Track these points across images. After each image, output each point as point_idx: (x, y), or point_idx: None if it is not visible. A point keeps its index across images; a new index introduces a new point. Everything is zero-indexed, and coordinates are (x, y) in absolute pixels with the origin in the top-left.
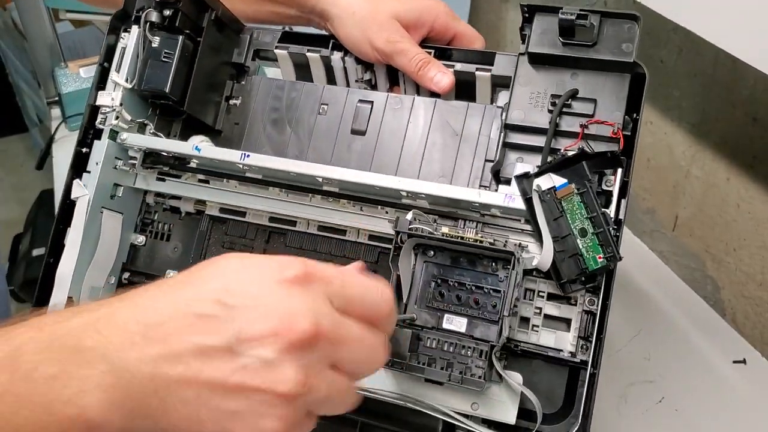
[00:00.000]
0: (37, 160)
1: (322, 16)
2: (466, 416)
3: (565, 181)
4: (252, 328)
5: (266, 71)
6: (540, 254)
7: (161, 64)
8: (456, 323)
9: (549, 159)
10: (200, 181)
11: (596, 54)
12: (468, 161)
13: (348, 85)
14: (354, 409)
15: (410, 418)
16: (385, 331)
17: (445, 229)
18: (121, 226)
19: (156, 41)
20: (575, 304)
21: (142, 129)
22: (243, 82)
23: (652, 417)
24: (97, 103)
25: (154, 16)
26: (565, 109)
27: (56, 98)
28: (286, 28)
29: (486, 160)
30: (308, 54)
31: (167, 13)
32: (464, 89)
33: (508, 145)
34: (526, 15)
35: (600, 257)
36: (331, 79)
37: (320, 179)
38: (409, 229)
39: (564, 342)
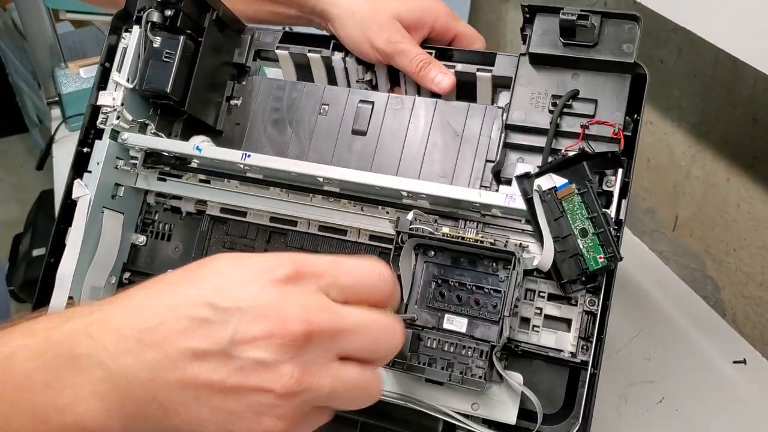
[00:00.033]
0: (38, 160)
1: (322, 17)
2: (467, 416)
3: (565, 181)
4: (246, 330)
5: (267, 72)
6: (540, 254)
7: (162, 64)
8: (456, 323)
9: (550, 159)
10: (201, 181)
11: (597, 54)
12: (469, 162)
13: (349, 85)
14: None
15: (410, 418)
16: (391, 306)
17: (445, 230)
18: (122, 226)
19: (157, 41)
20: (576, 305)
21: (143, 129)
22: (244, 83)
23: (652, 417)
24: (98, 103)
25: (155, 16)
26: (565, 110)
27: (56, 98)
28: (287, 29)
29: (487, 161)
30: (309, 54)
31: (168, 13)
32: (465, 90)
33: (508, 146)
34: (527, 15)
35: (600, 257)
36: (332, 80)
37: (321, 179)
38: (410, 229)
39: (564, 342)
